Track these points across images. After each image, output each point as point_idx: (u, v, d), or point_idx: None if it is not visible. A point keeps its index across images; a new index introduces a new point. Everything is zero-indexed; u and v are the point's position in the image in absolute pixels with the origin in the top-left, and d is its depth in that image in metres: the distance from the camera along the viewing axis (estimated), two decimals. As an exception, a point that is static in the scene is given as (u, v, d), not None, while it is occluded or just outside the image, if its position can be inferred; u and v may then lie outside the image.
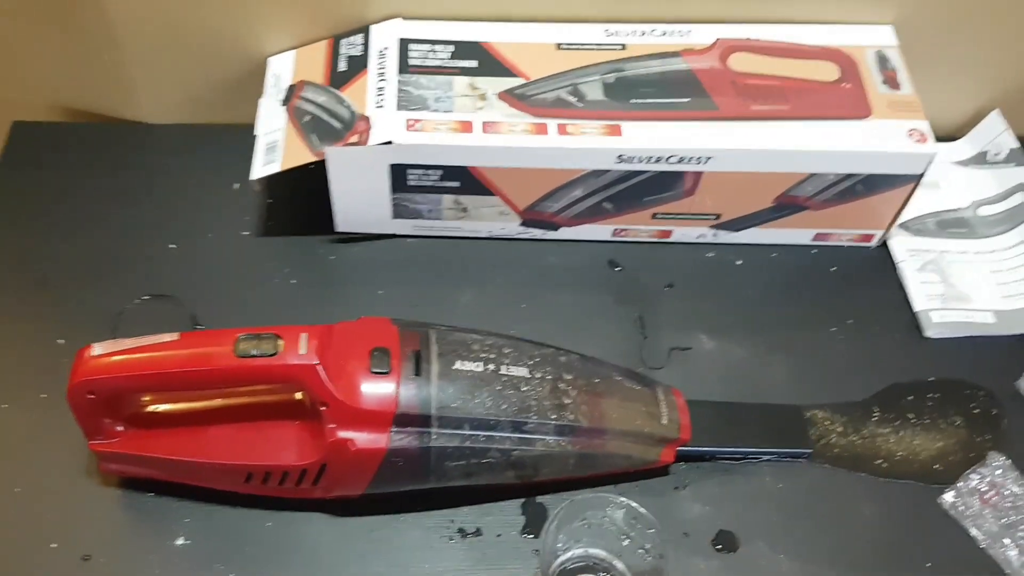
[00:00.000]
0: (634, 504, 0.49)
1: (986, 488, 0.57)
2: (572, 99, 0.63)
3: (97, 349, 0.49)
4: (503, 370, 0.52)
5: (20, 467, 0.55)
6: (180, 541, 0.53)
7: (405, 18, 0.67)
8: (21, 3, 0.66)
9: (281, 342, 0.48)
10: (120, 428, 0.52)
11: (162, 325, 0.59)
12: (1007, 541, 0.54)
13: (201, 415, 0.53)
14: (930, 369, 0.62)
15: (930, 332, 0.64)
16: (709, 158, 0.61)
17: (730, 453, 0.57)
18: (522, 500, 0.55)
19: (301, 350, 0.48)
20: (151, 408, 0.53)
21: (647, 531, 0.49)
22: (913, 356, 0.63)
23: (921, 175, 0.63)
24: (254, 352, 0.48)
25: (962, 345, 0.64)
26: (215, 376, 0.48)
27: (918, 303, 0.65)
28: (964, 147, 0.74)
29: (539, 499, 0.56)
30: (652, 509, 0.52)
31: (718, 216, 0.66)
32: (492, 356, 0.52)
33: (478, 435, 0.51)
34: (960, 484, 0.57)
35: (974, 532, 0.55)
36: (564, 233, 0.67)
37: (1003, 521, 0.55)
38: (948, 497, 0.56)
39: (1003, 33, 0.69)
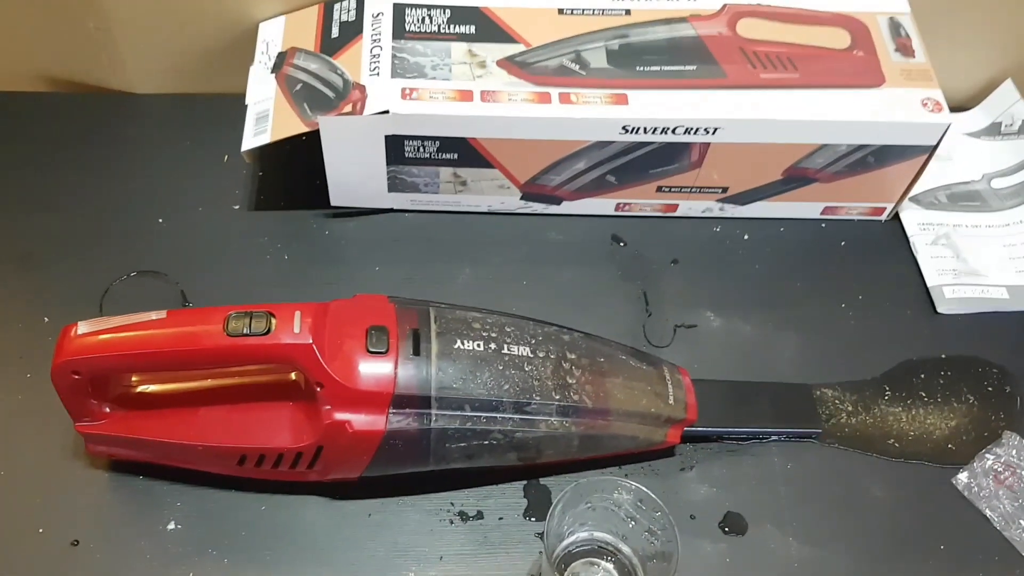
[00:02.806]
0: (641, 487, 0.47)
1: (1001, 468, 0.55)
2: (575, 67, 0.61)
3: (82, 327, 0.47)
4: (505, 349, 0.50)
5: (4, 450, 0.54)
6: (171, 526, 0.51)
7: (400, -18, 0.64)
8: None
9: (274, 320, 0.46)
10: (107, 409, 0.50)
11: (150, 302, 0.57)
12: (1023, 522, 0.53)
13: (192, 396, 0.51)
14: (942, 346, 0.61)
15: (943, 308, 0.62)
16: (717, 129, 0.59)
17: (737, 433, 0.56)
18: (524, 482, 0.54)
19: (295, 329, 0.46)
20: (140, 388, 0.51)
21: (653, 514, 0.48)
22: (925, 333, 0.62)
23: (935, 146, 0.61)
24: (245, 331, 0.46)
25: (975, 321, 0.62)
26: (205, 356, 0.46)
27: (930, 278, 0.63)
28: (976, 117, 0.72)
29: (542, 481, 0.54)
30: (658, 491, 0.50)
31: (725, 189, 0.64)
32: (493, 335, 0.50)
33: (479, 416, 0.49)
34: (974, 464, 0.55)
35: (989, 513, 0.54)
36: (566, 207, 0.65)
37: (1019, 502, 0.54)
38: (962, 478, 0.55)
39: (1017, 0, 0.67)
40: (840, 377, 0.59)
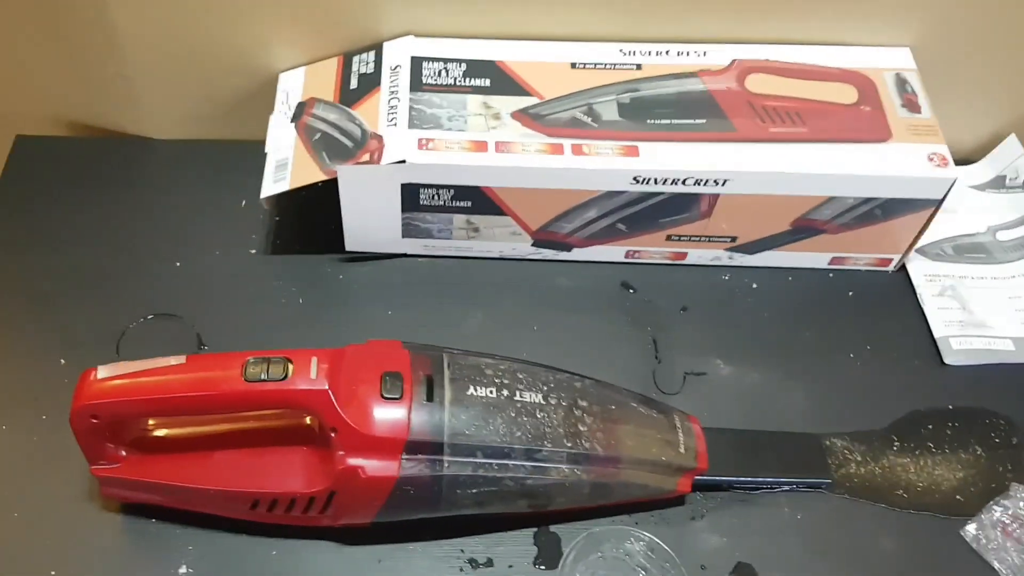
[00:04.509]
0: (653, 537, 0.47)
1: (1009, 520, 0.55)
2: (587, 119, 0.62)
3: (102, 372, 0.47)
4: (517, 396, 0.51)
5: (19, 492, 0.54)
6: (183, 569, 0.51)
7: (417, 35, 0.66)
8: (25, 15, 0.65)
9: (291, 366, 0.47)
10: (123, 453, 0.50)
11: (166, 345, 0.58)
12: (1032, 576, 0.53)
13: (207, 440, 0.51)
14: (949, 397, 0.61)
15: (950, 359, 0.63)
16: (726, 180, 0.60)
17: (748, 483, 0.56)
18: (534, 530, 0.54)
19: (312, 374, 0.47)
20: (155, 432, 0.52)
21: (664, 564, 0.48)
22: (932, 384, 0.62)
23: (942, 200, 0.62)
24: (263, 376, 0.46)
25: (981, 373, 0.62)
26: (223, 401, 0.47)
27: (937, 329, 0.64)
28: (981, 171, 0.73)
29: (552, 529, 0.54)
30: (668, 540, 0.51)
31: (734, 239, 0.65)
32: (506, 381, 0.51)
33: (491, 463, 0.49)
34: (982, 516, 0.56)
35: (997, 566, 0.54)
36: (577, 254, 0.66)
37: (1027, 555, 0.54)
38: (970, 529, 0.55)
39: (1021, 57, 0.69)
40: (848, 427, 0.59)
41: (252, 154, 0.64)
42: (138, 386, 0.46)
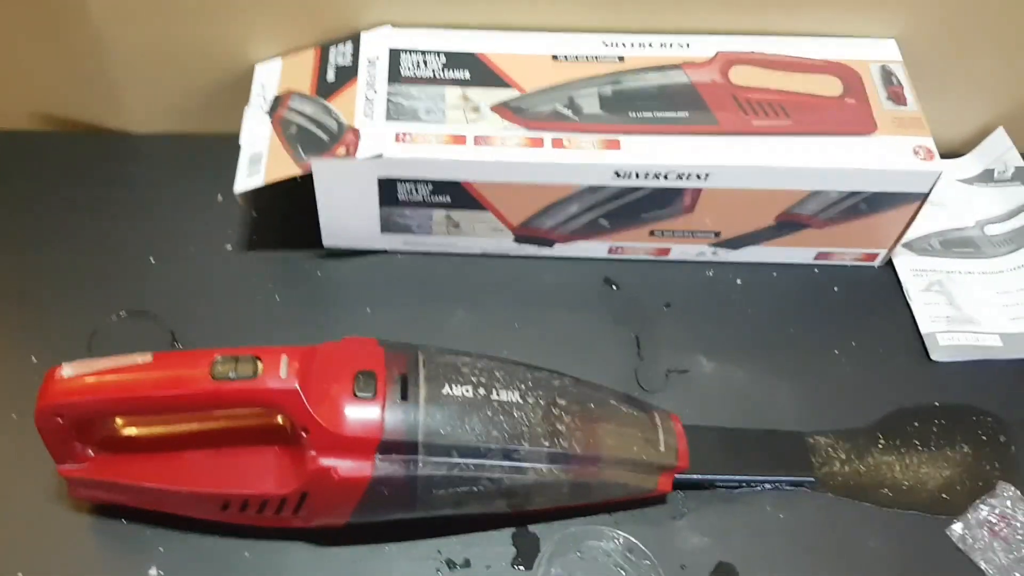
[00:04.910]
0: (630, 536, 0.47)
1: (995, 520, 0.55)
2: (568, 112, 0.61)
3: (67, 370, 0.46)
4: (494, 395, 0.50)
5: (-14, 492, 0.53)
6: (153, 571, 0.50)
7: (395, 26, 0.65)
8: (2, 10, 0.64)
9: (260, 364, 0.46)
10: (91, 452, 0.49)
11: (139, 342, 0.57)
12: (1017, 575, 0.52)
13: (176, 439, 0.50)
14: (936, 394, 0.60)
15: (936, 355, 0.62)
16: (709, 174, 0.59)
17: (730, 481, 0.55)
18: (513, 530, 0.53)
19: (281, 373, 0.46)
20: (124, 432, 0.51)
21: (642, 563, 0.47)
22: (918, 380, 0.61)
23: (927, 193, 0.61)
24: (231, 375, 0.45)
25: (969, 369, 0.62)
26: (190, 400, 0.46)
27: (924, 325, 0.63)
28: (969, 164, 0.72)
29: (531, 528, 0.53)
30: (648, 540, 0.50)
31: (718, 234, 0.64)
32: (483, 380, 0.50)
33: (467, 463, 0.48)
34: (969, 515, 0.55)
35: (983, 566, 0.53)
36: (559, 250, 0.65)
37: (1013, 555, 0.53)
38: (956, 529, 0.54)
39: (1008, 49, 0.68)
40: (833, 424, 0.59)
41: (230, 147, 0.63)
42: (103, 385, 0.45)
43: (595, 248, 0.65)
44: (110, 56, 0.66)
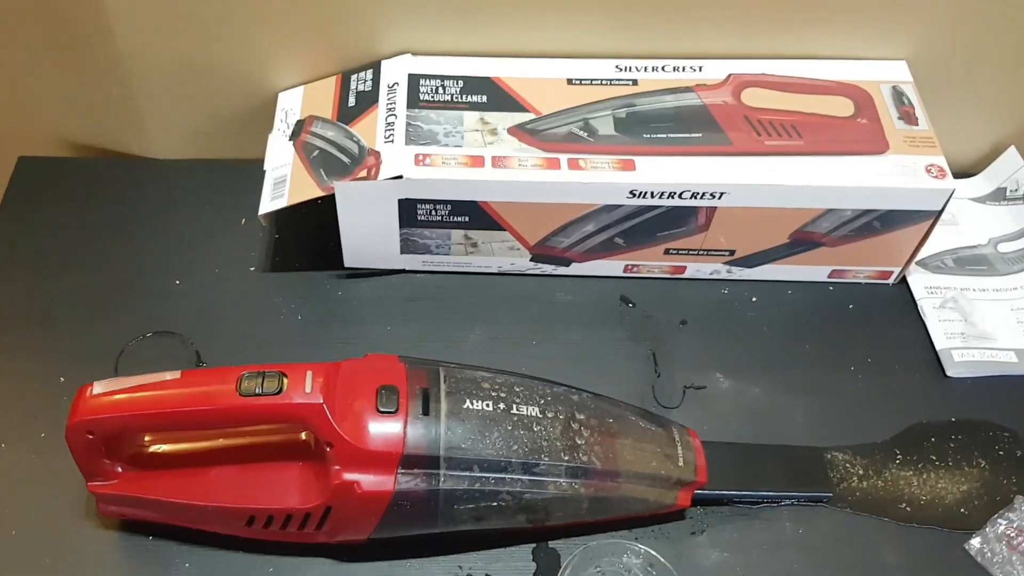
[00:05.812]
0: (651, 551, 0.47)
1: (1014, 533, 0.55)
2: (583, 134, 0.62)
3: (97, 388, 0.47)
4: (514, 409, 0.50)
5: (17, 509, 0.54)
6: (179, 587, 0.51)
7: (415, 54, 0.67)
8: (28, 36, 0.66)
9: (286, 380, 0.47)
10: (120, 469, 0.50)
11: (165, 362, 0.58)
12: (1038, 590, 0.52)
13: (203, 456, 0.51)
14: (952, 410, 0.61)
15: (952, 371, 0.62)
16: (723, 193, 0.60)
17: (748, 497, 0.56)
18: (533, 545, 0.54)
19: (307, 389, 0.47)
20: (152, 448, 0.52)
21: (663, 578, 0.48)
22: (934, 396, 0.61)
23: (940, 211, 0.62)
24: (258, 391, 0.46)
25: (984, 385, 0.62)
26: (218, 416, 0.47)
27: (939, 342, 0.64)
28: (981, 183, 0.73)
29: (551, 544, 0.54)
30: (668, 555, 0.50)
31: (732, 252, 0.65)
32: (502, 395, 0.51)
33: (488, 477, 0.49)
34: (987, 529, 0.55)
35: (1003, 580, 0.53)
36: (575, 269, 0.66)
37: (1033, 569, 0.53)
38: (975, 543, 0.54)
39: (1018, 69, 0.69)
40: (850, 440, 0.59)
41: (252, 173, 0.64)
42: (133, 401, 0.46)
43: (611, 267, 0.66)
44: (136, 84, 0.68)
